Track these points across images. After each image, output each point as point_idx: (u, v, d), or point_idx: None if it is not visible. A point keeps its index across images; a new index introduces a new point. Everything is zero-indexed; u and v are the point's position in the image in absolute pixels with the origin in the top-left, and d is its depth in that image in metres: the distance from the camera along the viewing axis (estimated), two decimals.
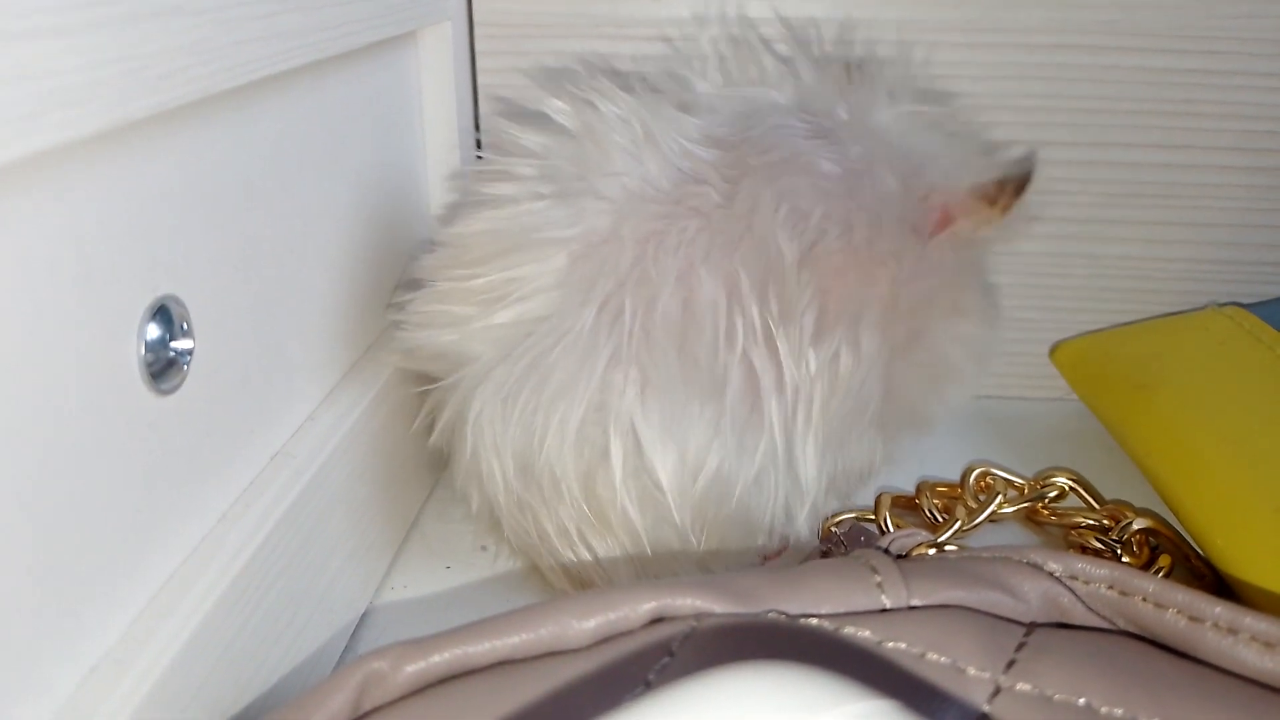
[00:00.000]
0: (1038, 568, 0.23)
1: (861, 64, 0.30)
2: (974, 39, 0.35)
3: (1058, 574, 0.22)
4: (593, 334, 0.25)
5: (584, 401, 0.25)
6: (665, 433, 0.25)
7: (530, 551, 0.28)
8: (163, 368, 0.20)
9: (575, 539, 0.27)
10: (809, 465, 0.26)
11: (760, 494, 0.26)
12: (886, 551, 0.23)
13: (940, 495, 0.32)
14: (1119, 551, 0.29)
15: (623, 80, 0.29)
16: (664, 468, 0.25)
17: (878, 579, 0.21)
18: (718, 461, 0.25)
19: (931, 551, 0.25)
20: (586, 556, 0.27)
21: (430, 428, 0.29)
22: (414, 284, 0.29)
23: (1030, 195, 0.27)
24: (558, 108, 0.27)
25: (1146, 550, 0.30)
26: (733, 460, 0.25)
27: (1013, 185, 0.27)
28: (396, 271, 0.32)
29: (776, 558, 0.29)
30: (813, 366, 0.25)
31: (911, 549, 0.24)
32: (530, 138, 0.28)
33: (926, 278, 0.27)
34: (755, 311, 0.25)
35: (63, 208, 0.17)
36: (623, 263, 0.25)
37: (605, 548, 0.27)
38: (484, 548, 0.31)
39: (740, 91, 0.29)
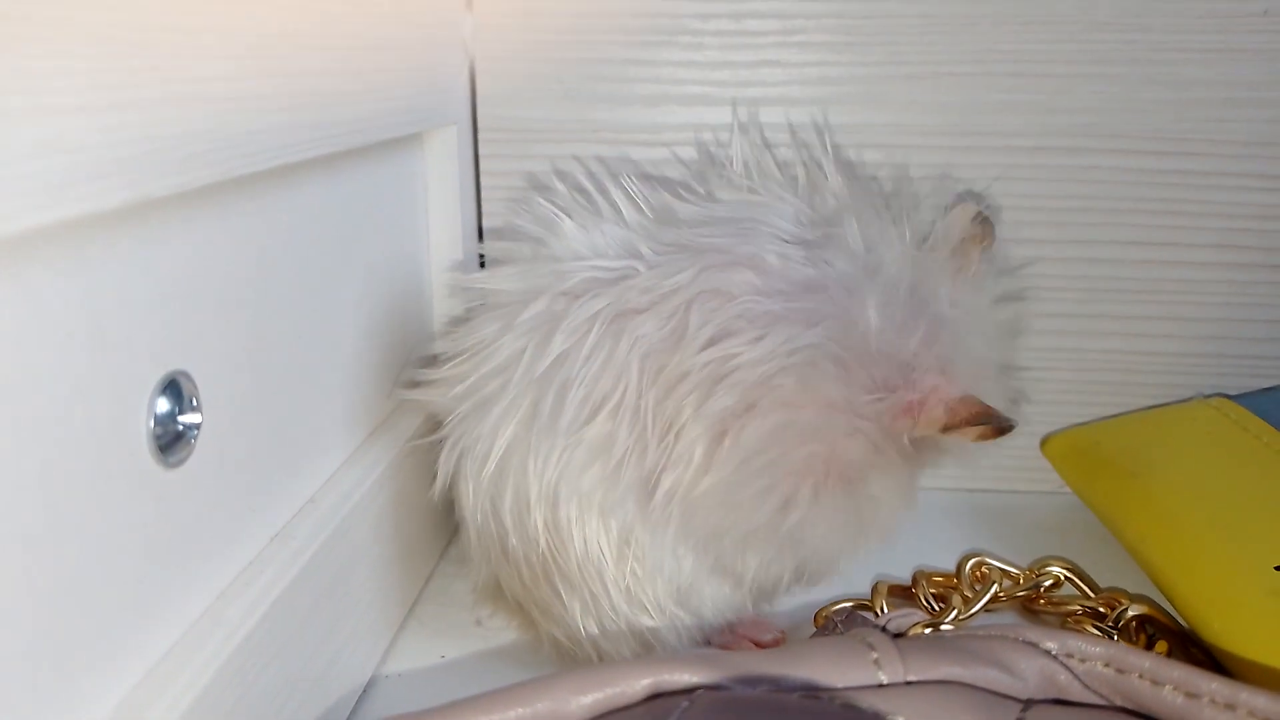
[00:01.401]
0: (1034, 645, 0.23)
1: (987, 218, 0.29)
2: (958, 142, 0.36)
3: (1054, 652, 0.23)
4: (503, 382, 0.27)
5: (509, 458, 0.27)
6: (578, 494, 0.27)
7: (525, 603, 0.29)
8: (170, 441, 0.20)
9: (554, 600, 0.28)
10: (669, 539, 0.27)
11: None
12: (884, 630, 0.23)
13: (936, 585, 0.32)
14: (1116, 638, 0.29)
15: (638, 176, 0.30)
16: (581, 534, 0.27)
17: (874, 655, 0.21)
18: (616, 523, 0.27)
19: (928, 631, 0.25)
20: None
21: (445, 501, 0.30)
22: (426, 359, 0.31)
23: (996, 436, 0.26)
24: (549, 193, 0.30)
25: (1143, 637, 0.30)
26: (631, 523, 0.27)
27: (995, 427, 0.25)
28: (400, 358, 0.33)
29: (774, 645, 0.29)
30: (683, 451, 0.25)
31: (908, 628, 0.24)
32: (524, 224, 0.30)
33: (863, 440, 0.26)
34: (634, 378, 0.26)
35: (82, 280, 0.17)
36: (537, 303, 0.27)
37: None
38: (478, 622, 0.31)
39: (752, 194, 0.29)
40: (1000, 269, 0.29)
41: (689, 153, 0.37)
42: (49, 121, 0.15)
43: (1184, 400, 0.37)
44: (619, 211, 0.29)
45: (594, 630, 0.28)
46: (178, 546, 0.21)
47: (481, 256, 0.34)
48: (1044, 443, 0.38)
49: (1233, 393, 0.37)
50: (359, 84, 0.27)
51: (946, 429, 0.25)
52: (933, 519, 0.37)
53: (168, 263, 0.20)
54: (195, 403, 0.21)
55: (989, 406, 0.25)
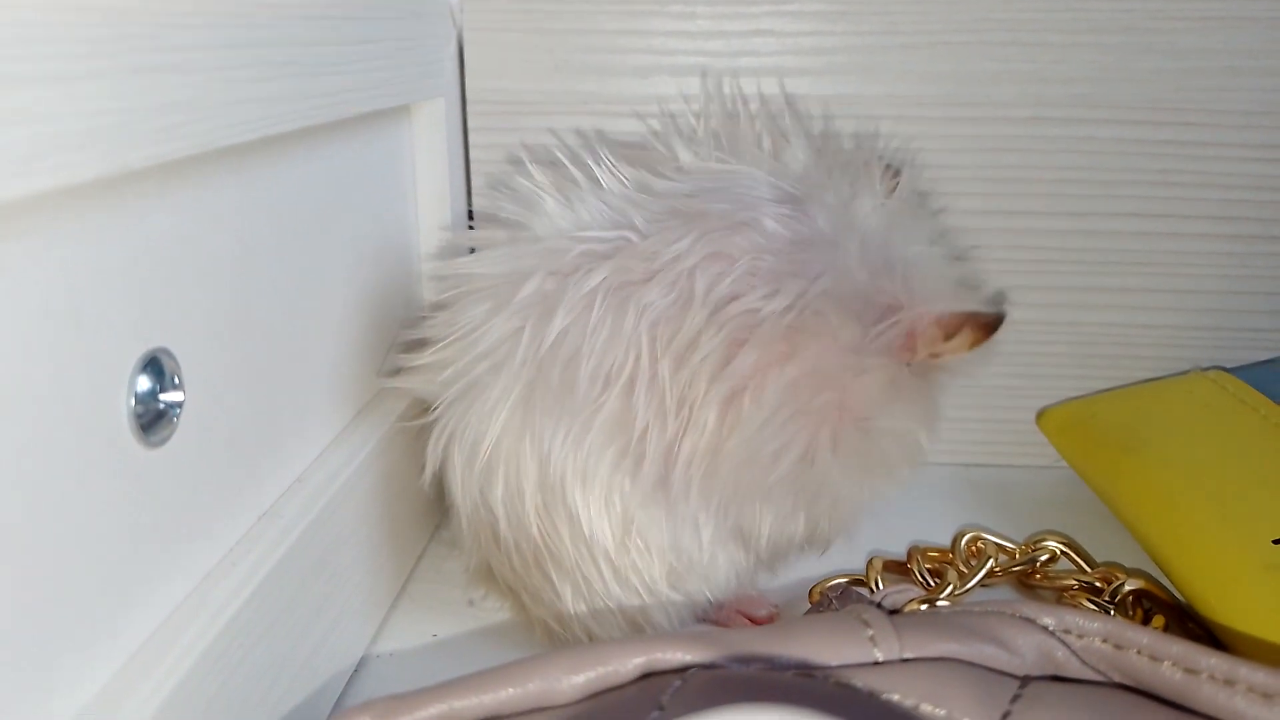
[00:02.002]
0: (1031, 622, 0.22)
1: (899, 170, 0.30)
2: (954, 113, 0.36)
3: (1051, 628, 0.22)
4: (497, 366, 0.27)
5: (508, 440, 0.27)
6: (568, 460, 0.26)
7: (516, 588, 0.29)
8: (152, 420, 0.20)
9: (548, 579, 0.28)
10: (691, 508, 0.26)
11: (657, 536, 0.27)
12: (879, 606, 0.23)
13: (931, 560, 0.32)
14: (1113, 613, 0.29)
15: (613, 149, 0.29)
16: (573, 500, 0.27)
17: (870, 632, 0.21)
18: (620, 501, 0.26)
19: (924, 607, 0.25)
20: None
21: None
22: (410, 344, 0.30)
23: (997, 337, 0.27)
24: (526, 173, 0.29)
25: (1140, 611, 0.30)
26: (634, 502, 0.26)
27: (982, 323, 0.26)
28: (388, 335, 0.32)
29: (768, 621, 0.29)
30: (701, 415, 0.25)
31: (904, 605, 0.24)
32: (503, 205, 0.29)
33: (874, 376, 0.26)
34: (644, 348, 0.25)
35: (57, 255, 0.17)
36: (529, 282, 0.27)
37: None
38: (470, 602, 0.31)
39: (723, 164, 0.29)
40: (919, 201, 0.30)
41: (683, 123, 0.36)
42: (16, 91, 0.14)
43: (1181, 373, 0.37)
44: (599, 184, 0.29)
45: (585, 614, 0.28)
46: (161, 527, 0.20)
47: (471, 225, 0.33)
48: (1040, 417, 0.38)
49: (1230, 365, 0.37)
50: (342, 54, 0.26)
51: (946, 339, 0.26)
52: (928, 494, 0.37)
53: (147, 237, 0.19)
54: (177, 380, 0.20)
55: (971, 309, 0.27)
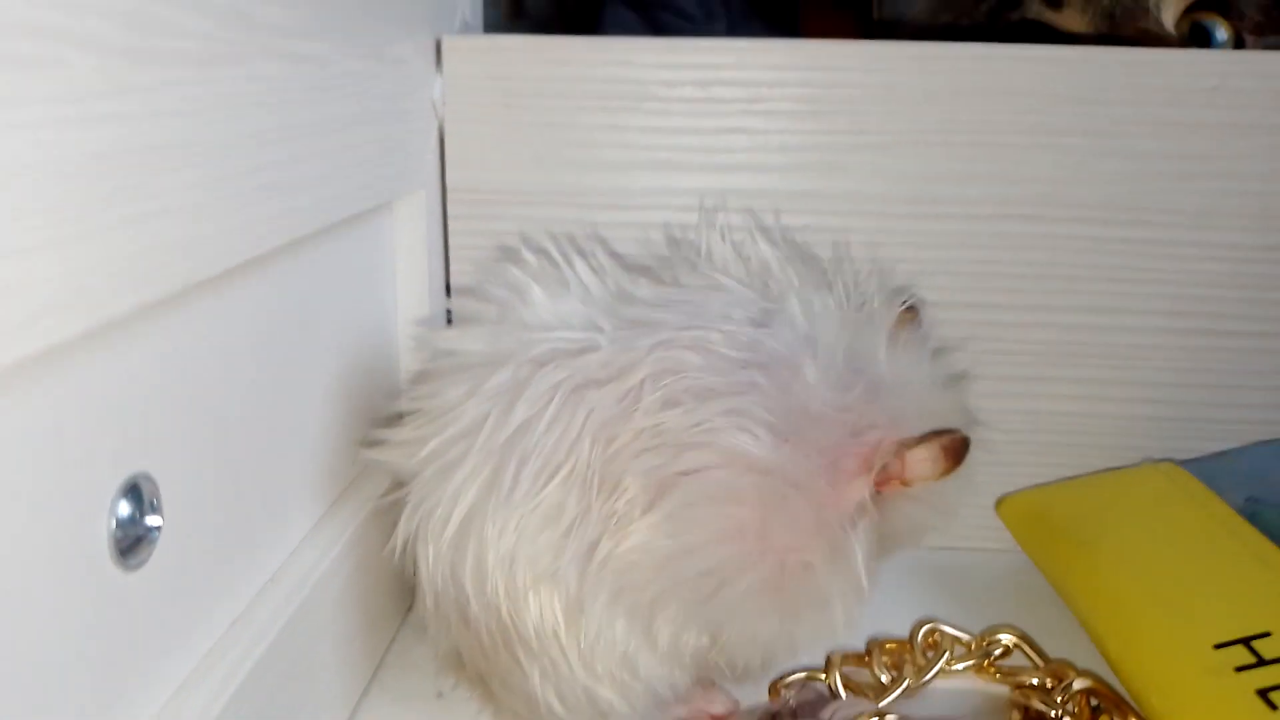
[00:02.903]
0: None
1: (916, 307, 0.30)
2: (920, 210, 0.37)
3: None
4: (464, 448, 0.28)
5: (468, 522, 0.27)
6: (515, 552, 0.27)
7: (485, 674, 0.30)
8: (131, 544, 0.21)
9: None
10: (606, 606, 0.27)
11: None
12: None
13: (889, 653, 0.33)
14: (1060, 714, 0.30)
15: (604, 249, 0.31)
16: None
17: None
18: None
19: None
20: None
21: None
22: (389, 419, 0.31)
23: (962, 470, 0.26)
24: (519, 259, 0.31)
25: (1088, 710, 0.30)
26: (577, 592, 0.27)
27: (948, 446, 0.27)
28: (364, 426, 0.33)
29: (726, 717, 0.30)
30: (625, 518, 0.26)
31: (854, 718, 0.25)
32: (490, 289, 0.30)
33: (810, 505, 0.26)
34: (586, 448, 0.26)
35: (41, 395, 0.18)
36: (502, 371, 0.28)
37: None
38: (440, 694, 0.32)
39: (701, 278, 0.30)
40: (937, 352, 0.30)
41: (655, 216, 0.37)
42: (10, 263, 0.15)
43: (1135, 465, 0.38)
44: (584, 285, 0.30)
45: (553, 699, 0.28)
46: (138, 644, 0.21)
47: (449, 313, 0.34)
48: (999, 504, 0.39)
49: (1182, 457, 0.38)
50: (324, 166, 0.27)
51: (903, 456, 0.26)
52: (891, 577, 0.38)
53: (129, 370, 0.20)
54: (156, 504, 0.21)
55: (937, 431, 0.26)
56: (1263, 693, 0.27)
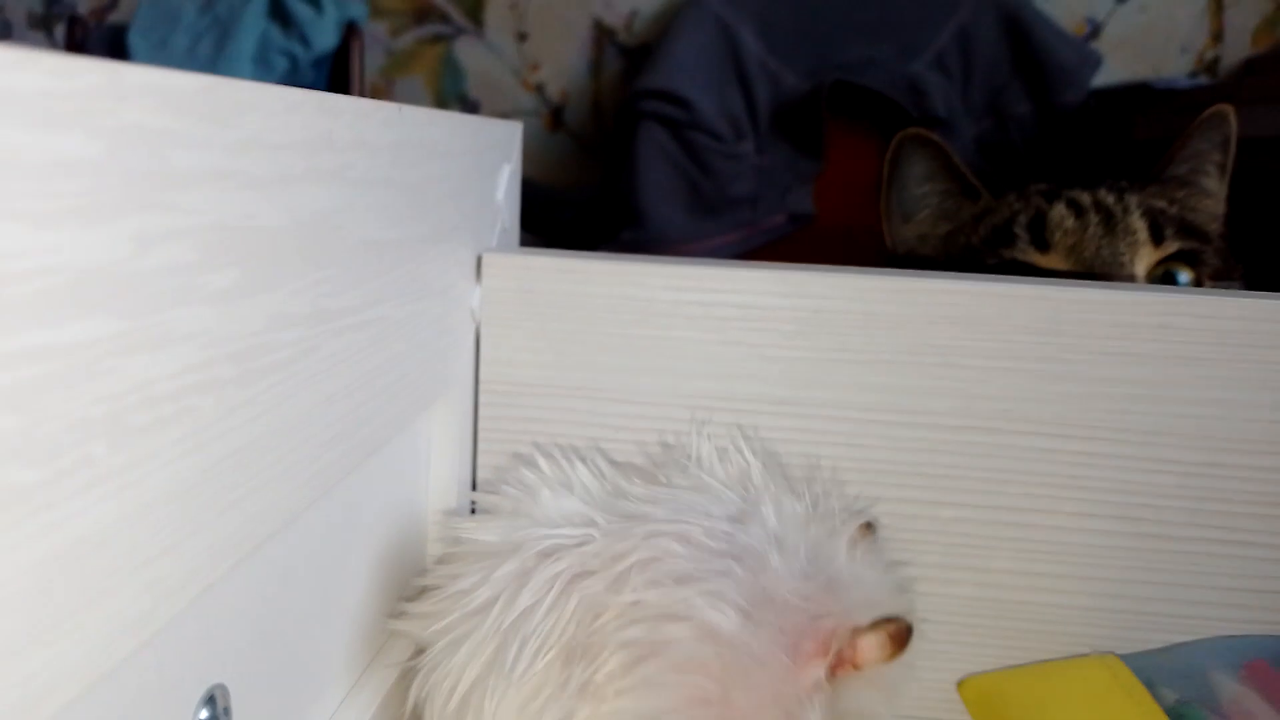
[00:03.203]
0: None
1: (872, 525, 0.35)
2: (891, 418, 0.42)
3: None
4: (474, 627, 0.32)
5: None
6: None
7: None
8: None
9: None
10: None
11: None
12: None
13: None
14: None
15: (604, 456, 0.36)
16: None
17: None
18: None
19: None
20: None
21: None
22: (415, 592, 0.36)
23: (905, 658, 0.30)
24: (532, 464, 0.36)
25: None
26: None
27: (896, 632, 0.31)
28: (393, 601, 0.38)
29: None
30: (602, 690, 0.30)
31: None
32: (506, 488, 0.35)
33: (776, 686, 0.30)
34: (574, 627, 0.31)
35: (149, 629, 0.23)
36: (511, 563, 0.32)
37: None
38: None
39: (686, 479, 0.35)
40: (890, 565, 0.35)
41: (659, 411, 0.42)
42: (164, 565, 0.20)
43: (1083, 655, 0.42)
44: (585, 486, 0.35)
45: None
46: None
47: (473, 503, 0.40)
48: (960, 685, 0.43)
49: (1131, 646, 0.42)
50: (381, 401, 0.32)
51: (854, 642, 0.30)
52: None
53: (210, 601, 0.25)
54: (228, 709, 0.26)
55: (886, 617, 0.31)
56: None
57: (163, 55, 1.21)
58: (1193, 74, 1.43)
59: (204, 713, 0.25)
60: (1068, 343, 0.41)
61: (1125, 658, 0.41)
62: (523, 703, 0.31)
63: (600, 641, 0.31)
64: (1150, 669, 0.40)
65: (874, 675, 0.32)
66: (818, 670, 0.31)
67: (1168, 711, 0.38)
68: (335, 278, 0.27)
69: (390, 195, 0.31)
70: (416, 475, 0.40)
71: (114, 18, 1.44)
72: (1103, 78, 1.33)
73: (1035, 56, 1.30)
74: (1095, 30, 1.42)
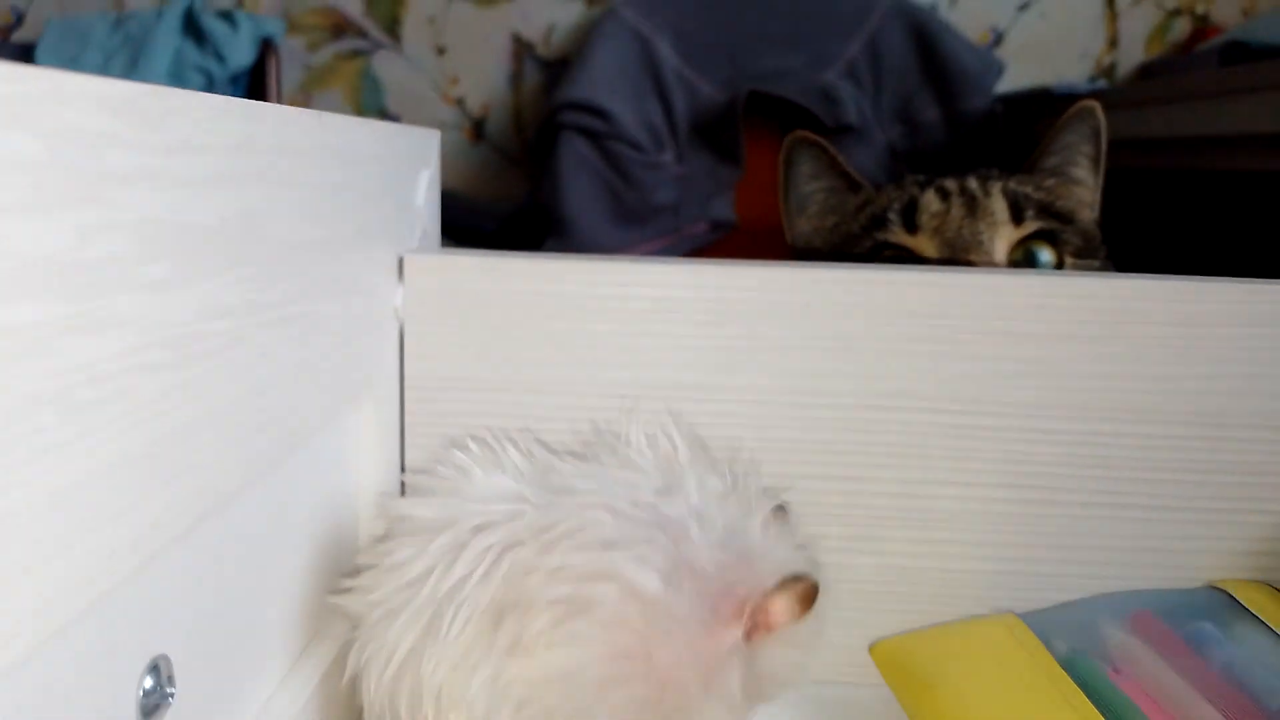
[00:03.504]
0: None
1: (784, 508, 0.38)
2: (797, 400, 0.44)
3: None
4: (410, 598, 0.34)
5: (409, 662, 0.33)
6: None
7: None
8: (153, 709, 0.27)
9: None
10: None
11: None
12: None
13: None
14: None
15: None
16: None
17: None
18: None
19: None
20: None
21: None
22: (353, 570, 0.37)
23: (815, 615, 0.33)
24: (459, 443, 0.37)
25: None
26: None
27: (803, 590, 0.33)
28: (330, 580, 0.39)
29: None
30: (532, 648, 0.32)
31: None
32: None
33: (695, 647, 0.32)
34: (504, 591, 0.32)
35: (96, 604, 0.24)
36: (445, 536, 0.34)
37: None
38: None
39: (612, 456, 0.37)
40: (799, 547, 0.37)
41: (580, 402, 0.44)
42: (114, 519, 0.22)
43: (984, 615, 0.45)
44: (516, 466, 0.37)
45: None
46: None
47: (403, 484, 0.41)
48: (872, 648, 0.46)
49: (1026, 606, 0.45)
50: (310, 392, 0.34)
51: (767, 605, 0.33)
52: (780, 707, 0.45)
53: (155, 577, 0.27)
54: (171, 677, 0.28)
55: (795, 575, 0.33)
56: None
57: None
58: (1092, 78, 1.49)
59: (148, 681, 0.27)
60: (955, 325, 0.44)
61: (1022, 616, 0.44)
62: (455, 662, 0.33)
63: (528, 599, 0.32)
64: (1045, 624, 0.43)
65: (787, 636, 0.34)
66: (734, 633, 0.33)
67: (1060, 661, 0.41)
68: (261, 274, 0.29)
69: (312, 197, 0.33)
70: (347, 468, 0.41)
71: (19, 35, 1.42)
72: (1007, 84, 1.39)
73: (942, 64, 1.35)
74: (998, 38, 1.48)
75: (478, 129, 1.48)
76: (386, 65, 1.46)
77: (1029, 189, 0.66)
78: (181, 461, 0.25)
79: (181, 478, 0.25)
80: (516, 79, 1.48)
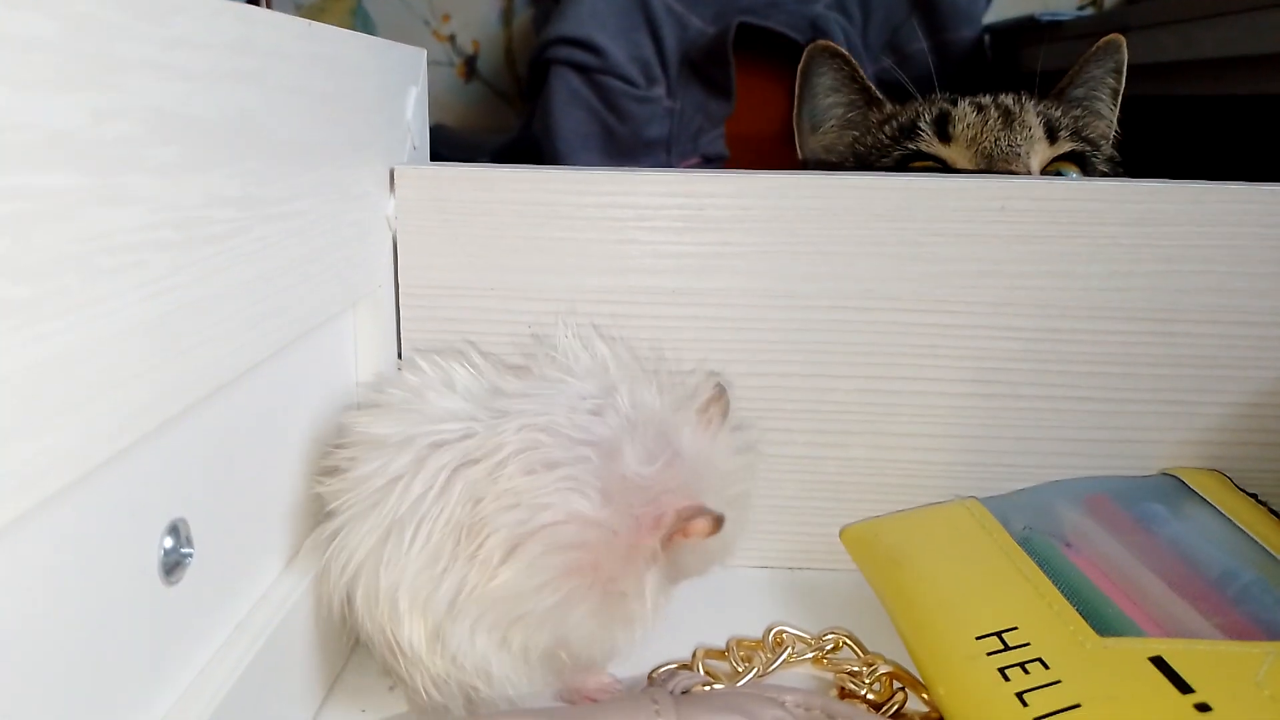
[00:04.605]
0: (774, 699, 0.33)
1: (723, 389, 0.39)
2: (773, 302, 0.47)
3: (786, 703, 0.33)
4: (371, 507, 0.36)
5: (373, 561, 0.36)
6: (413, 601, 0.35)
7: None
8: (172, 566, 0.30)
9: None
10: (470, 625, 0.35)
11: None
12: (669, 691, 0.33)
13: (745, 648, 0.43)
14: (866, 692, 0.40)
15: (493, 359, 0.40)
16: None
17: (656, 708, 0.31)
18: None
19: (707, 688, 0.35)
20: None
21: None
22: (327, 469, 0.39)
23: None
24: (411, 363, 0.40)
25: (890, 688, 0.40)
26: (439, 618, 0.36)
27: (712, 518, 0.35)
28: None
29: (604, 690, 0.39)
30: (485, 557, 0.34)
31: (690, 687, 0.34)
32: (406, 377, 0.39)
33: (626, 550, 0.34)
34: (460, 509, 0.35)
35: (117, 465, 0.27)
36: (402, 455, 0.36)
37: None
38: (390, 688, 0.41)
39: (556, 372, 0.39)
40: (735, 428, 0.40)
41: (566, 307, 0.47)
42: (123, 381, 0.24)
43: (948, 501, 0.48)
44: (466, 386, 0.39)
45: (431, 690, 0.37)
46: (175, 639, 0.30)
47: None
48: (842, 533, 0.49)
49: (987, 494, 0.48)
50: (310, 286, 0.36)
51: (679, 525, 0.35)
52: (755, 592, 0.48)
53: (173, 444, 0.29)
54: (189, 539, 0.30)
55: (703, 506, 0.35)
56: (1001, 670, 0.37)
57: None
58: (1080, 7, 1.50)
59: (168, 540, 0.29)
60: (920, 227, 0.46)
61: (983, 500, 0.47)
62: (415, 573, 0.35)
63: (482, 522, 0.35)
64: (1004, 507, 0.46)
65: (700, 544, 0.36)
66: (654, 541, 0.35)
67: (1017, 539, 0.44)
68: (261, 170, 0.31)
69: (306, 102, 0.35)
70: (345, 366, 0.44)
71: None
72: (995, 13, 1.39)
73: None
74: None
75: (469, 65, 1.49)
76: (377, 2, 1.47)
77: (1058, 113, 0.67)
78: (193, 335, 0.28)
79: (193, 350, 0.28)
80: (507, 15, 1.48)
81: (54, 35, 0.21)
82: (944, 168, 0.64)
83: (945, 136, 0.65)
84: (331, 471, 0.38)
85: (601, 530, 0.34)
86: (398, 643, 0.36)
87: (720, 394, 0.39)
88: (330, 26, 0.37)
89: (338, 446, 0.39)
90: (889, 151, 0.67)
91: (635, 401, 0.37)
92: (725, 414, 0.39)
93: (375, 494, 0.36)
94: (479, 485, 0.35)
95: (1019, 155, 0.63)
